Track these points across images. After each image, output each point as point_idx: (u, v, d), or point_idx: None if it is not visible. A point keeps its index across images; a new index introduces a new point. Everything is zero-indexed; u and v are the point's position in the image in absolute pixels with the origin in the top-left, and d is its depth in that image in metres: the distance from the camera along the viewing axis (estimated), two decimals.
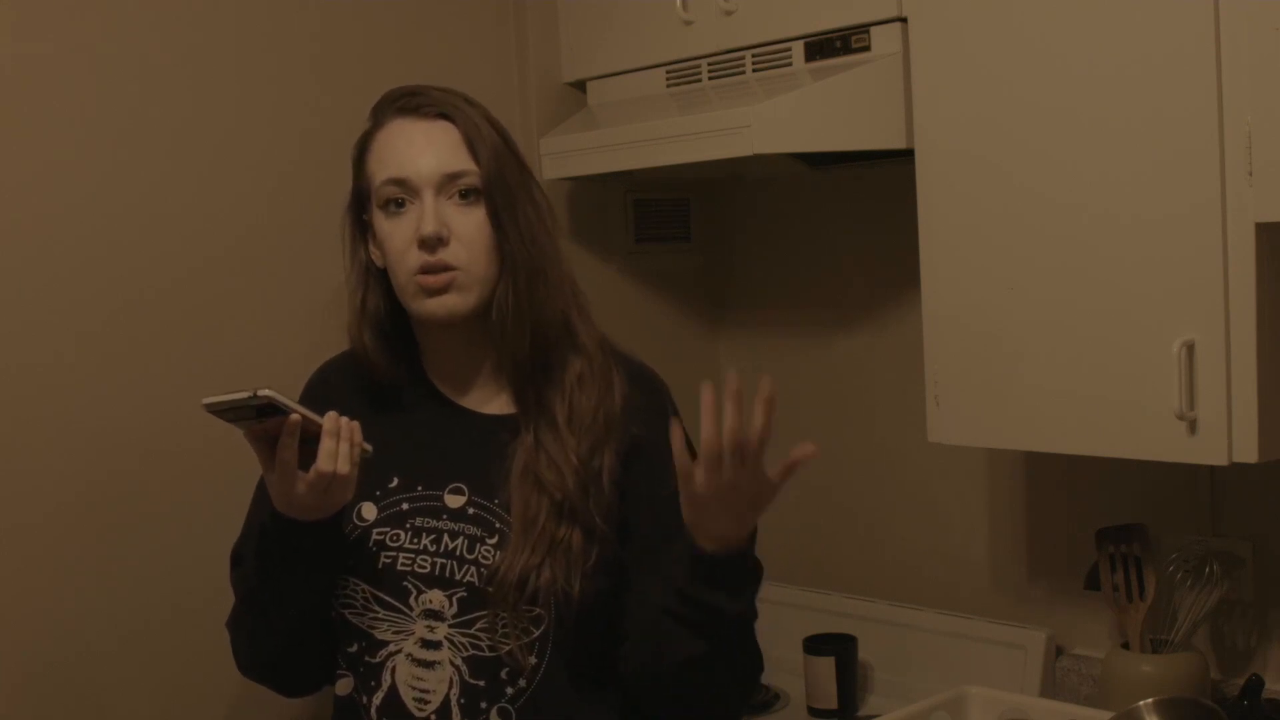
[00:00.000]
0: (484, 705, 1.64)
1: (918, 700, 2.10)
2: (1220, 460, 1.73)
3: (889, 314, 2.49)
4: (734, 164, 2.28)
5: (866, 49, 2.11)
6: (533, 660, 1.64)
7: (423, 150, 1.67)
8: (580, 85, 2.56)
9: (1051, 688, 2.26)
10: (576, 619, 1.65)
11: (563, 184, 2.54)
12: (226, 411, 1.49)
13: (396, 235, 1.67)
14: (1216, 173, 1.69)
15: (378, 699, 1.66)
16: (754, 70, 2.25)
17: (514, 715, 1.65)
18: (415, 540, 1.67)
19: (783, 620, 2.61)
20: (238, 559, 1.76)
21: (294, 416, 1.50)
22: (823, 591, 2.59)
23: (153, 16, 2.10)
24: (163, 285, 2.10)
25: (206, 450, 1.98)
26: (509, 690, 1.64)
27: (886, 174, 2.34)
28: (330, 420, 1.54)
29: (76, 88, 2.04)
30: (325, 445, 1.54)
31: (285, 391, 1.53)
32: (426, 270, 1.65)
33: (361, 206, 1.73)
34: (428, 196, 1.66)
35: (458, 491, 1.69)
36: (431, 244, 1.64)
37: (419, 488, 1.70)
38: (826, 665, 2.39)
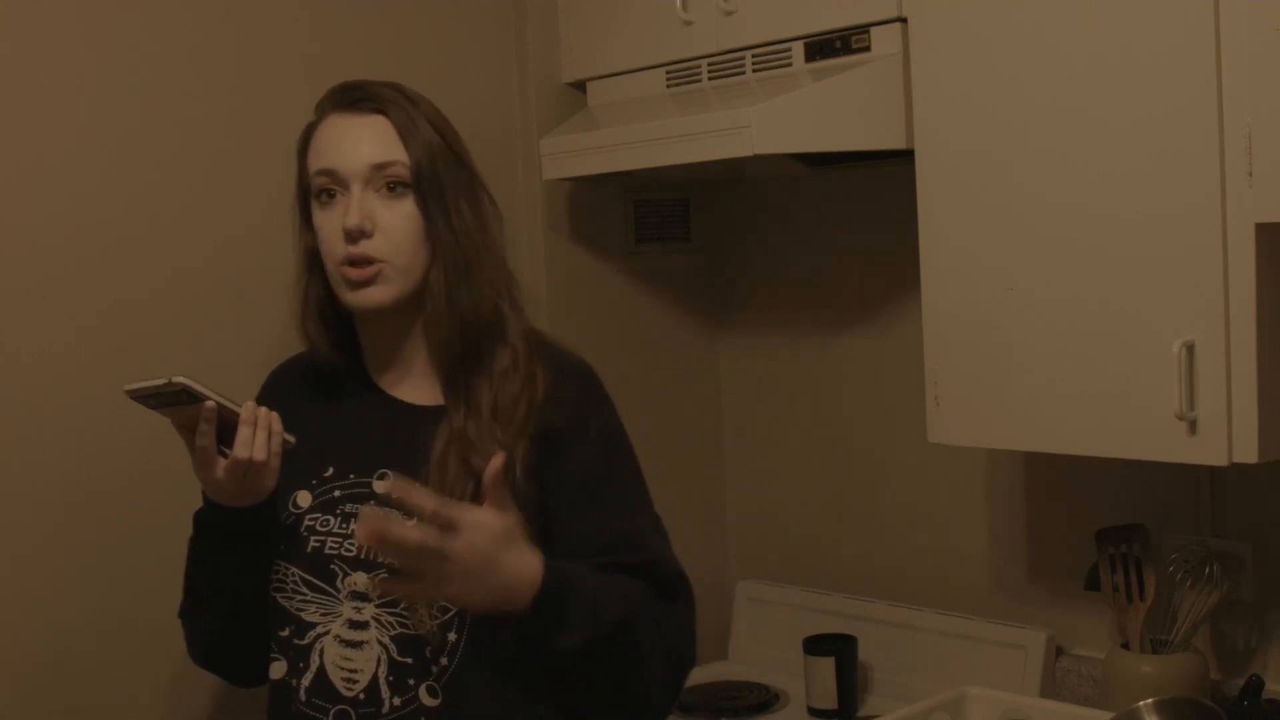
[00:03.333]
0: (412, 683, 1.67)
1: (918, 700, 2.10)
2: (1220, 461, 1.73)
3: (889, 314, 2.49)
4: (734, 164, 2.28)
5: (866, 49, 2.11)
6: (452, 636, 1.66)
7: (353, 143, 1.71)
8: (580, 85, 2.56)
9: (1051, 688, 2.26)
10: None
11: (563, 184, 2.54)
12: (150, 398, 1.55)
13: (325, 226, 1.72)
14: (1216, 173, 1.70)
15: (306, 680, 1.70)
16: (754, 70, 2.25)
17: (441, 693, 1.67)
18: (344, 525, 1.72)
19: (783, 620, 2.61)
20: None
21: (208, 403, 1.56)
22: (823, 591, 2.59)
23: (151, 17, 2.10)
24: (157, 283, 2.11)
25: None
26: (434, 668, 1.67)
27: (886, 174, 2.34)
28: (247, 409, 1.61)
29: (73, 88, 2.04)
30: (242, 433, 1.61)
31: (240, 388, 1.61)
32: (351, 262, 1.69)
33: (306, 200, 1.77)
34: (355, 188, 1.70)
35: (385, 478, 1.74)
36: (354, 235, 1.69)
37: (351, 475, 1.75)
38: (826, 665, 2.39)
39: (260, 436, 1.62)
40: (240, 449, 1.60)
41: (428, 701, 1.67)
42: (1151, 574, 2.07)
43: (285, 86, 2.23)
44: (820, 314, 2.63)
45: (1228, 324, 1.71)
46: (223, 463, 1.61)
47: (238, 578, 1.72)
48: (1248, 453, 1.71)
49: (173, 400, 1.56)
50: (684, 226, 2.74)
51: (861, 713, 2.41)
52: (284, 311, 1.92)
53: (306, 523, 1.73)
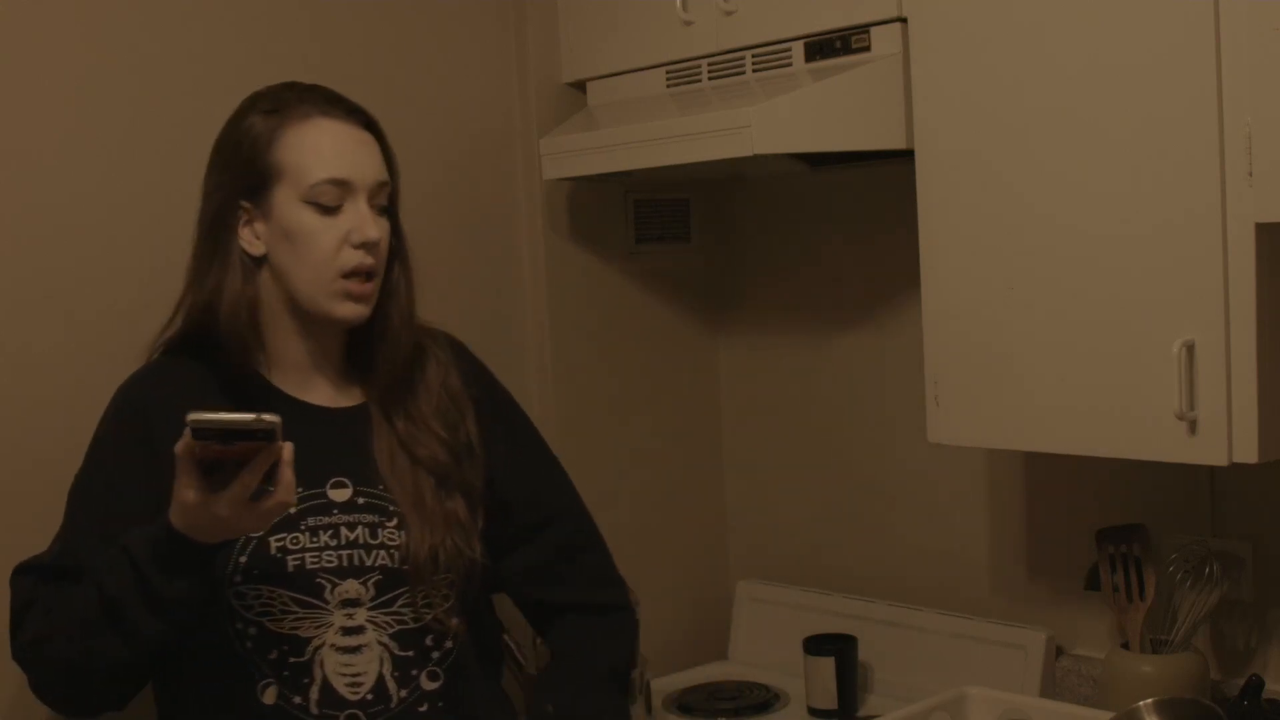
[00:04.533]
0: (414, 672, 1.74)
1: (918, 700, 2.10)
2: (1220, 461, 1.73)
3: (889, 314, 2.49)
4: (734, 164, 2.28)
5: (866, 49, 2.11)
6: (454, 621, 1.76)
7: (362, 156, 1.74)
8: (580, 85, 2.56)
9: (1051, 688, 2.26)
10: (481, 577, 1.82)
11: (563, 184, 2.54)
12: (205, 431, 1.47)
13: (329, 234, 1.71)
14: (1216, 173, 1.69)
15: (314, 694, 1.71)
16: (754, 70, 2.25)
17: (443, 676, 1.76)
18: (314, 539, 1.72)
19: (783, 620, 2.61)
20: (59, 572, 1.70)
21: (278, 444, 1.50)
22: (823, 591, 2.59)
23: (151, 17, 2.10)
24: (155, 283, 2.09)
25: None
26: (435, 654, 1.76)
27: (886, 174, 2.34)
28: (289, 450, 1.53)
29: (72, 87, 2.04)
30: (286, 475, 1.53)
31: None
32: (358, 273, 1.72)
33: (251, 193, 1.72)
34: (362, 201, 1.72)
35: (340, 485, 1.75)
36: (371, 248, 1.72)
37: (300, 489, 1.69)
38: (826, 665, 2.39)
39: (293, 477, 1.55)
40: (286, 493, 1.53)
41: (429, 686, 1.75)
42: (1151, 574, 2.06)
43: None
44: (820, 314, 2.62)
45: (1228, 324, 1.71)
46: (257, 507, 1.53)
47: (189, 608, 1.62)
48: (1248, 453, 1.71)
49: (238, 436, 1.47)
50: (684, 226, 2.73)
51: (861, 713, 2.41)
52: None
53: (275, 545, 1.70)
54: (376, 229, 1.71)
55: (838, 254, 2.58)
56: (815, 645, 2.42)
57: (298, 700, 1.70)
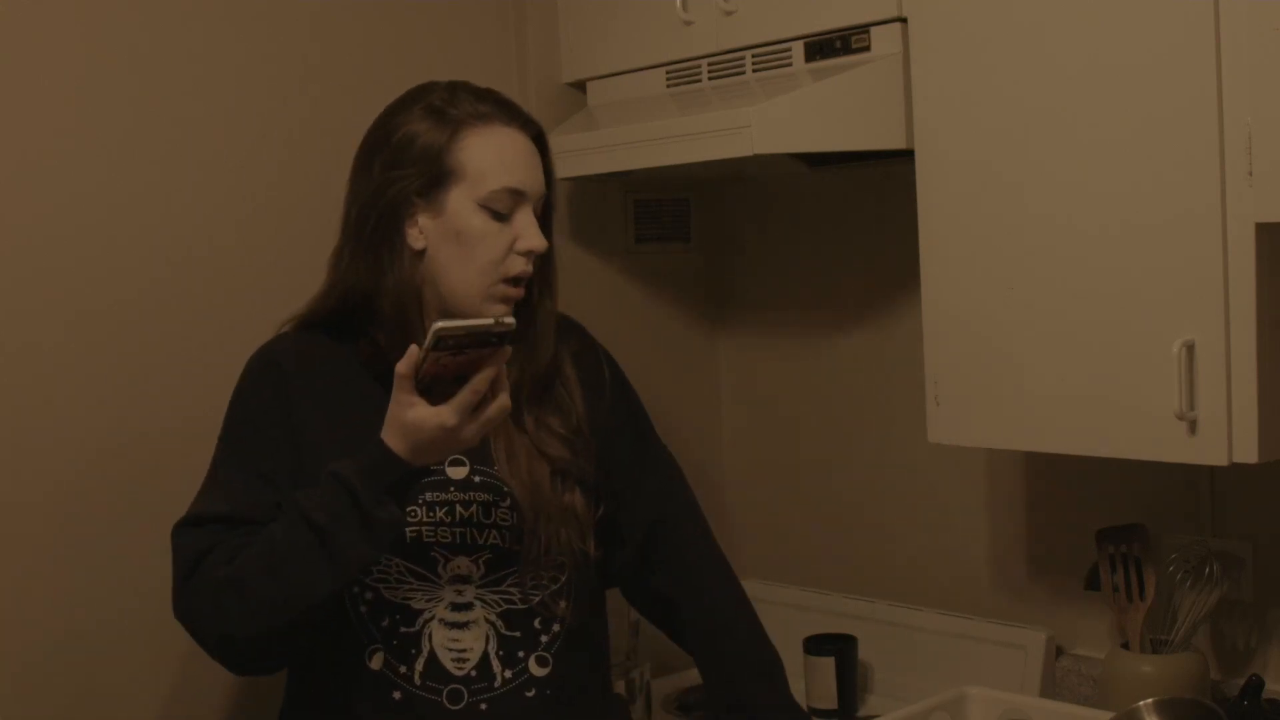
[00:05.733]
0: (521, 655, 1.76)
1: (918, 700, 2.10)
2: (1220, 460, 1.73)
3: (889, 314, 2.49)
4: (734, 164, 2.28)
5: (866, 49, 2.11)
6: (562, 604, 1.79)
7: (534, 168, 1.78)
8: (580, 85, 2.56)
9: (1051, 688, 2.26)
10: (593, 570, 1.85)
11: (563, 184, 2.53)
12: (448, 340, 1.50)
13: (499, 239, 1.75)
14: (1216, 173, 1.69)
15: (419, 665, 1.74)
16: (754, 70, 2.25)
17: (551, 661, 1.78)
18: (431, 514, 1.75)
19: (783, 620, 2.61)
20: (235, 520, 1.71)
21: (506, 347, 1.55)
22: (823, 591, 2.60)
23: (150, 17, 2.10)
24: (155, 283, 2.11)
25: (196, 434, 1.97)
26: (544, 638, 1.78)
27: (886, 174, 2.34)
28: (507, 354, 1.59)
29: (72, 87, 2.04)
30: (504, 381, 1.60)
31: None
32: (519, 280, 1.76)
33: (425, 189, 1.74)
34: (529, 210, 1.76)
35: (458, 463, 1.78)
36: (536, 258, 1.76)
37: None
38: (826, 665, 2.39)
39: None
40: (506, 397, 1.60)
41: (537, 671, 1.77)
42: (1151, 574, 2.07)
43: (286, 85, 2.23)
44: (820, 314, 2.63)
45: (1228, 324, 1.71)
46: (478, 419, 1.58)
47: (392, 538, 1.68)
48: (1248, 453, 1.71)
49: (474, 343, 1.51)
50: (684, 226, 2.74)
51: (861, 713, 2.41)
52: (284, 305, 1.91)
53: None
54: (543, 240, 1.75)
55: (838, 254, 2.58)
56: (815, 645, 2.42)
57: (403, 670, 1.73)
